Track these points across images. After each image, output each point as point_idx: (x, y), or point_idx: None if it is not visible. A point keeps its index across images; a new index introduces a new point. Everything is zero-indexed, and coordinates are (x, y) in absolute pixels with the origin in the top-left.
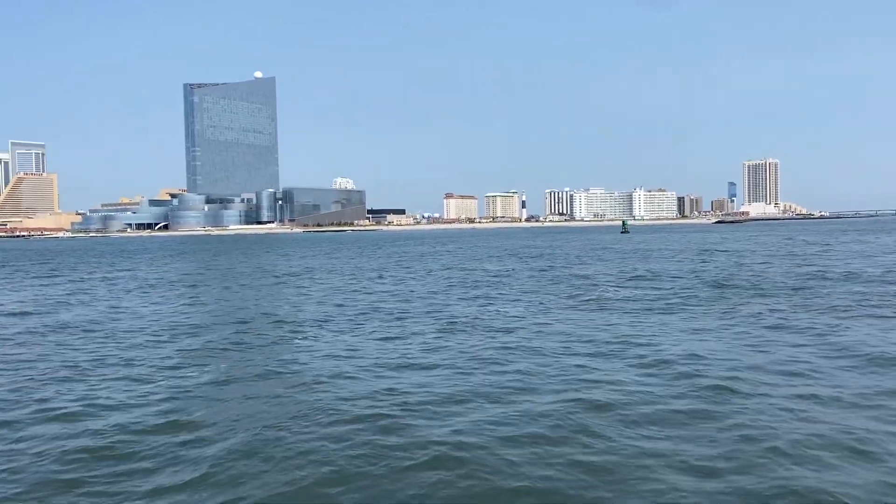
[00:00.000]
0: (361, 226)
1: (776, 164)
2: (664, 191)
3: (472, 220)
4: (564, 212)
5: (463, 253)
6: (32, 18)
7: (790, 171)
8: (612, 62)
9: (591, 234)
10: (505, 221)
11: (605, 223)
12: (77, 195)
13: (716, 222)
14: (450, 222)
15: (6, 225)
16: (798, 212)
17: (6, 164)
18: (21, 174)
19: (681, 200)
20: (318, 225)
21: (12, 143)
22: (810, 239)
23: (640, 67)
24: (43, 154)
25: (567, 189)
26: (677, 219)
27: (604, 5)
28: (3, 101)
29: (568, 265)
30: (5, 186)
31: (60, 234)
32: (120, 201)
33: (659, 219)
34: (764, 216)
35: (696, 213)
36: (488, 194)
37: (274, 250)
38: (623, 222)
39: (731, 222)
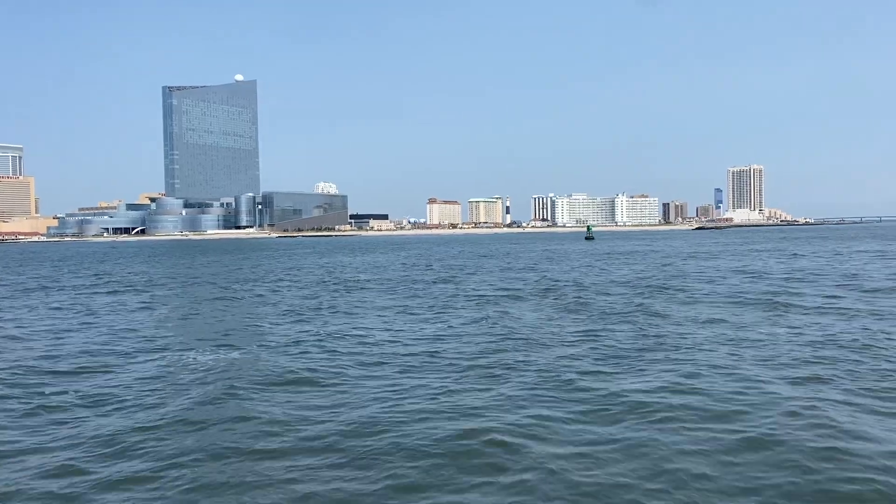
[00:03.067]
0: (343, 231)
1: (760, 171)
2: (647, 196)
3: (454, 226)
4: (548, 218)
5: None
6: (8, 19)
7: (777, 177)
8: (598, 66)
9: (545, 242)
10: (487, 227)
11: (584, 229)
12: (57, 199)
13: (695, 228)
14: (433, 228)
15: None
16: (783, 218)
17: None
18: None
19: (665, 207)
20: (299, 230)
21: None
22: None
23: (626, 71)
24: (20, 157)
25: (551, 195)
26: (660, 225)
27: (585, 7)
28: None
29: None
30: None
31: (35, 239)
32: (98, 205)
33: (642, 225)
34: (748, 223)
35: (680, 219)
36: (471, 199)
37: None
38: (588, 228)
39: (711, 228)
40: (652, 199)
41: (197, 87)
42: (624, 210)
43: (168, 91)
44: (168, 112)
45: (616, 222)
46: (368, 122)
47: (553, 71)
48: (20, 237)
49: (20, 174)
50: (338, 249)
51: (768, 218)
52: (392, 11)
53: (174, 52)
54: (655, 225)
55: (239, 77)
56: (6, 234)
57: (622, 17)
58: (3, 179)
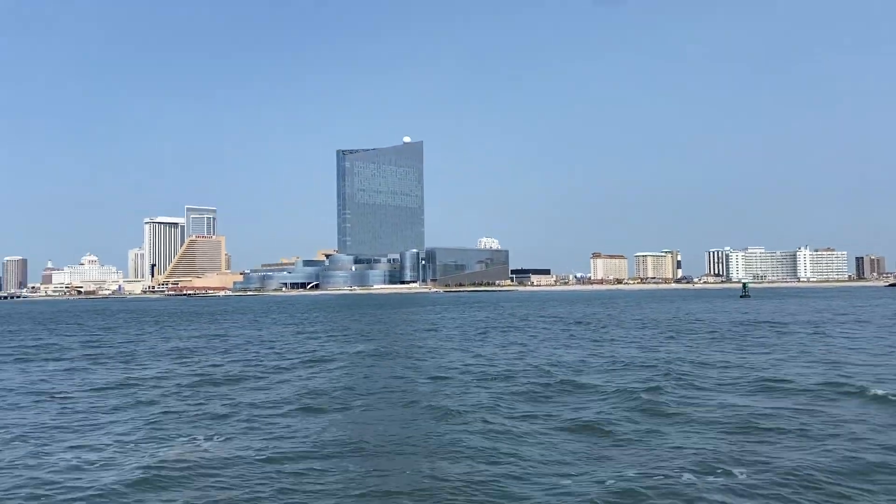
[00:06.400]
0: (504, 286)
1: None
2: (833, 250)
3: (619, 281)
4: (722, 273)
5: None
6: (198, 106)
7: None
8: (774, 109)
9: (684, 301)
10: (654, 282)
11: (756, 285)
12: (245, 255)
13: (888, 286)
14: (597, 283)
15: (177, 283)
16: None
17: (182, 227)
18: (193, 237)
19: (859, 261)
20: (460, 284)
21: (187, 209)
22: None
23: (806, 114)
24: (214, 218)
25: (727, 248)
26: (850, 281)
27: (760, 47)
28: (181, 170)
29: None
30: (180, 248)
31: (222, 293)
32: (280, 261)
33: (828, 280)
34: None
35: (875, 274)
36: (638, 254)
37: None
38: (743, 285)
39: None
40: (839, 252)
41: (368, 150)
42: (807, 264)
43: (342, 154)
44: (341, 174)
45: (798, 277)
46: (531, 176)
47: (728, 117)
48: (209, 291)
49: (213, 233)
50: (557, 303)
51: None
52: (552, 73)
53: (348, 116)
54: (844, 281)
55: (407, 139)
56: (198, 288)
57: (804, 59)
58: (199, 239)
